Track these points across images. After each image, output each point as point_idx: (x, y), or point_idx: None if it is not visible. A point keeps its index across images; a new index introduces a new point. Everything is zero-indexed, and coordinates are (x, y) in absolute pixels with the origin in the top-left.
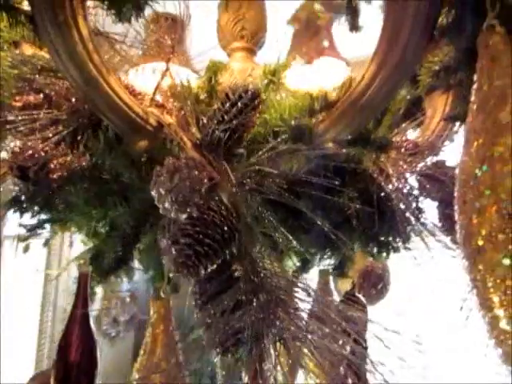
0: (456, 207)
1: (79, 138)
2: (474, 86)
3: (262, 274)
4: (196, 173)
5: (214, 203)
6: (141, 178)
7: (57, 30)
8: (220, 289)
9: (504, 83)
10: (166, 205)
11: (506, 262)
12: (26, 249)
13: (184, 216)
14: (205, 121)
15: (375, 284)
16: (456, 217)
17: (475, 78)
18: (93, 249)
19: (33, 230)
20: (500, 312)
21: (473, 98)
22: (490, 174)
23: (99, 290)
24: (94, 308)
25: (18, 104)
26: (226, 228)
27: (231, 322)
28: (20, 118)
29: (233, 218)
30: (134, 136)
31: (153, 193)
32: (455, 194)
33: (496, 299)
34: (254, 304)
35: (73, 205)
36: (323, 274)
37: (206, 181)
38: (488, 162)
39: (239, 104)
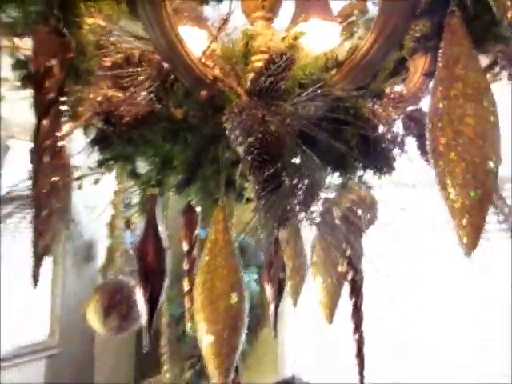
0: (427, 130)
1: (161, 89)
2: (440, 51)
3: (298, 178)
4: (255, 111)
5: (267, 131)
6: (205, 119)
7: (153, 9)
8: (274, 186)
9: (459, 49)
10: (237, 132)
11: (454, 157)
12: (96, 181)
13: (249, 139)
14: (251, 76)
15: (366, 209)
16: (427, 136)
17: (441, 44)
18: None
19: (102, 165)
20: (451, 190)
21: (439, 59)
22: (447, 106)
23: (103, 246)
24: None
25: (107, 63)
26: (276, 147)
27: (281, 205)
28: (109, 73)
29: (280, 141)
30: (198, 87)
31: (226, 124)
32: (428, 124)
33: (449, 182)
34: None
35: (150, 141)
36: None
37: (260, 116)
38: (447, 99)
39: (280, 63)
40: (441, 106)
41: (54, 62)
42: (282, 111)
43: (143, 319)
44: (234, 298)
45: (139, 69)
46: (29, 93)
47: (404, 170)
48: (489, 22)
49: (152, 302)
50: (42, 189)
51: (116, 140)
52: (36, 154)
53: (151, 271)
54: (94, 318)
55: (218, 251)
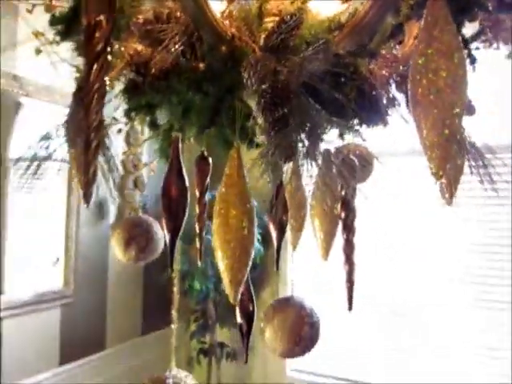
0: (409, 82)
1: (187, 44)
2: (423, 15)
3: (302, 120)
4: (267, 63)
5: (278, 80)
6: (224, 71)
7: None
8: (282, 125)
9: (438, 14)
10: (253, 80)
11: (428, 103)
12: (119, 131)
13: (263, 86)
14: (263, 35)
15: (362, 160)
16: (409, 86)
17: (425, 13)
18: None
19: (128, 114)
20: (425, 130)
21: (422, 21)
22: (425, 61)
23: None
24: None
25: (140, 20)
26: (284, 93)
27: (289, 139)
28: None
29: (288, 88)
30: (218, 43)
31: (244, 73)
32: (409, 77)
33: (423, 124)
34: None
35: (175, 90)
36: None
37: (272, 67)
38: (425, 56)
39: (290, 23)
40: (420, 61)
41: (102, 17)
42: (291, 64)
43: (159, 251)
44: (245, 222)
45: (167, 26)
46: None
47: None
48: None
49: (174, 233)
50: (91, 124)
51: (145, 89)
52: (87, 95)
53: (174, 205)
54: (116, 248)
55: (233, 184)
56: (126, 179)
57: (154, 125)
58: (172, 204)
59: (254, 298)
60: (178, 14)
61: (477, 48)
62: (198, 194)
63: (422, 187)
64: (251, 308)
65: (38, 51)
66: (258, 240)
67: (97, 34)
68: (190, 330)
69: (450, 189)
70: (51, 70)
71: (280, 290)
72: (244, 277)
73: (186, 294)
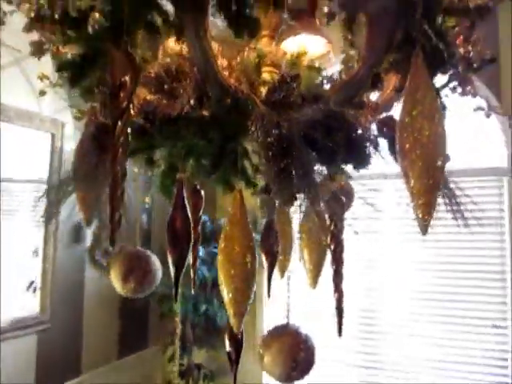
0: (396, 137)
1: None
2: (407, 81)
3: (301, 168)
4: (272, 117)
5: (281, 134)
6: (228, 120)
7: (196, 35)
8: (285, 174)
9: (420, 81)
10: (260, 133)
11: (414, 157)
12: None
13: (269, 139)
14: (266, 89)
15: (346, 195)
16: (396, 141)
17: (409, 74)
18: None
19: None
20: (411, 180)
21: (406, 86)
22: (410, 121)
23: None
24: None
25: (152, 74)
26: (288, 146)
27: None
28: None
29: (289, 141)
30: (224, 95)
31: (251, 128)
32: (397, 133)
33: (410, 174)
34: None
35: (182, 136)
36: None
37: (276, 122)
38: (410, 117)
39: (289, 81)
40: (406, 120)
41: (127, 77)
42: (291, 118)
43: (157, 283)
44: (248, 258)
45: (177, 79)
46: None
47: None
48: (447, 53)
49: (179, 266)
50: (117, 174)
51: (153, 134)
52: (113, 148)
53: (179, 239)
54: (114, 281)
55: (236, 222)
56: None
57: (150, 162)
58: (177, 238)
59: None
60: (187, 68)
61: (446, 95)
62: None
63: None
64: (240, 336)
65: (43, 93)
66: None
67: (121, 93)
68: (167, 352)
69: (425, 216)
70: (32, 97)
71: (257, 308)
72: (246, 309)
73: (163, 316)
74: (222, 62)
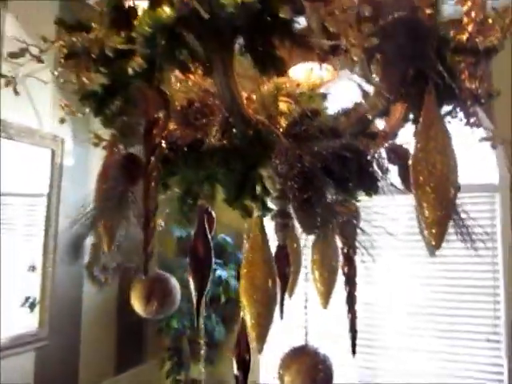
0: (411, 170)
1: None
2: (421, 118)
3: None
4: (294, 151)
5: (303, 166)
6: (250, 151)
7: (224, 73)
8: (308, 205)
9: (433, 117)
10: (283, 166)
11: (428, 189)
12: None
13: (293, 171)
14: (287, 122)
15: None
16: (411, 173)
17: (422, 110)
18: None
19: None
20: (425, 210)
21: (420, 123)
22: (424, 156)
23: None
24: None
25: (177, 107)
26: (310, 178)
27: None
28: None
29: (311, 172)
30: (246, 127)
31: (275, 161)
32: (411, 166)
33: (424, 204)
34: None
35: (204, 165)
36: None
37: (298, 155)
38: (424, 151)
39: (308, 115)
40: (420, 155)
41: (160, 114)
42: (311, 150)
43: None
44: (270, 283)
45: (201, 111)
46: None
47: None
48: (457, 89)
49: (200, 291)
50: (149, 207)
51: (177, 163)
52: (146, 182)
53: (201, 265)
54: (136, 304)
55: (258, 248)
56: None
57: (166, 186)
58: (199, 264)
59: (250, 348)
60: (210, 101)
61: (449, 122)
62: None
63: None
64: (248, 358)
65: (63, 120)
66: (234, 276)
67: (155, 130)
68: (164, 367)
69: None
70: (32, 114)
71: None
72: (268, 332)
73: (160, 332)
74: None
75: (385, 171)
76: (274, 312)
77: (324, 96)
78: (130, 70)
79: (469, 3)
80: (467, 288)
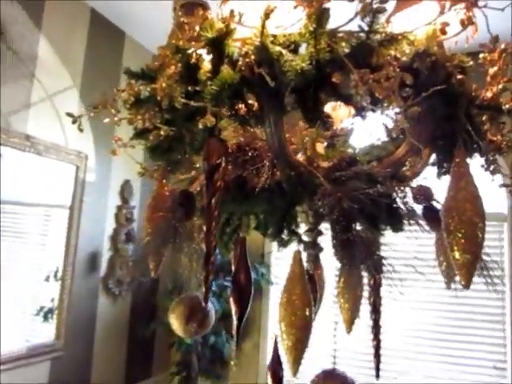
0: (442, 217)
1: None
2: (452, 170)
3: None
4: (335, 194)
5: (343, 207)
6: (293, 191)
7: (275, 125)
8: (347, 244)
9: (463, 171)
10: (325, 208)
11: (458, 234)
12: None
13: (335, 213)
14: (327, 166)
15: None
16: (442, 219)
17: (453, 163)
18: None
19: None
20: (456, 253)
21: (452, 174)
22: (455, 205)
23: (107, 255)
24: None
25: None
26: (350, 219)
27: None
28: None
29: (352, 215)
30: (290, 169)
31: (318, 203)
32: (443, 213)
33: (455, 248)
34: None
35: (251, 201)
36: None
37: (338, 197)
38: (456, 200)
39: (347, 161)
40: (452, 204)
41: (222, 160)
42: (349, 193)
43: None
44: (307, 311)
45: (250, 154)
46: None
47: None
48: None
49: (240, 317)
50: (211, 244)
51: (226, 199)
52: (208, 222)
53: (243, 294)
54: (176, 324)
55: (297, 280)
56: (118, 232)
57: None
58: (241, 293)
59: (282, 363)
60: (257, 145)
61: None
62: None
63: None
64: (281, 374)
65: (114, 152)
66: None
67: (216, 175)
68: (173, 382)
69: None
70: (59, 131)
71: (261, 343)
72: (303, 356)
73: (171, 347)
74: None
75: (411, 210)
76: (309, 337)
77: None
78: (201, 125)
79: (495, 68)
80: (475, 315)
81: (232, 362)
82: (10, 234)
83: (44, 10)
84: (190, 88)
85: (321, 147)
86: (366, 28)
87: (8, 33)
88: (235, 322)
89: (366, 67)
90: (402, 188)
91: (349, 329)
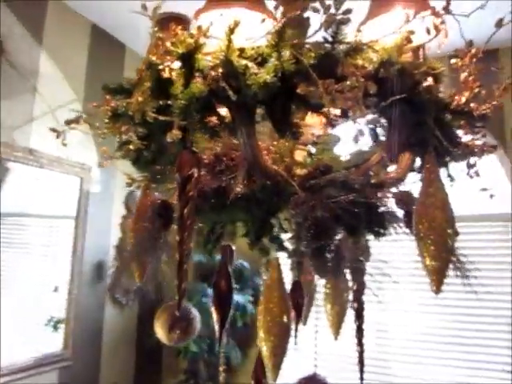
0: (413, 222)
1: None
2: (423, 178)
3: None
4: (308, 202)
5: (316, 217)
6: (269, 199)
7: (247, 136)
8: (320, 251)
9: (432, 177)
10: (299, 217)
11: (428, 240)
12: None
13: (308, 222)
14: (301, 174)
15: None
16: (413, 225)
17: (423, 169)
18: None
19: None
20: (427, 259)
21: (422, 181)
22: (425, 210)
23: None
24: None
25: (206, 160)
26: (323, 228)
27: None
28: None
29: (326, 223)
30: (266, 179)
31: (291, 211)
32: (413, 220)
33: (425, 254)
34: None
35: (229, 211)
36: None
37: (311, 206)
38: (425, 206)
39: (321, 170)
40: (421, 210)
41: (194, 171)
42: (323, 201)
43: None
44: (285, 318)
45: (226, 164)
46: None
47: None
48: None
49: (222, 322)
50: (183, 252)
51: (204, 209)
52: (181, 230)
53: (223, 299)
54: (160, 332)
55: (274, 288)
56: (124, 242)
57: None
58: (221, 300)
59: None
60: (234, 155)
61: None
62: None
63: None
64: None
65: (101, 165)
66: (250, 301)
67: (188, 186)
68: None
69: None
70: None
71: None
72: (283, 361)
73: (178, 355)
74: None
75: (392, 215)
76: (288, 344)
77: (337, 139)
78: (168, 138)
79: (465, 73)
80: (483, 317)
81: (221, 369)
82: (17, 245)
83: (44, 25)
84: (161, 102)
85: (300, 155)
86: (330, 39)
87: (9, 48)
88: (217, 327)
89: (332, 77)
90: (382, 194)
91: (336, 334)
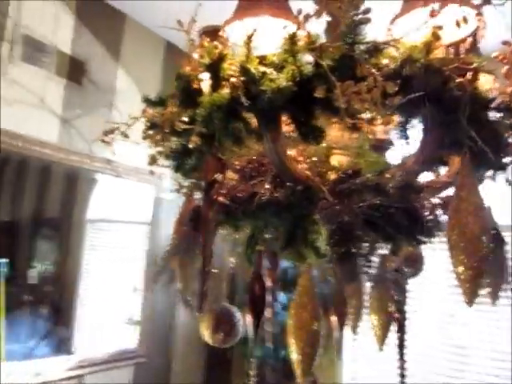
0: (446, 230)
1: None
2: (457, 183)
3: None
4: (335, 207)
5: (343, 221)
6: (299, 204)
7: (272, 141)
8: (348, 257)
9: (467, 181)
10: (325, 221)
11: (459, 248)
12: None
13: (333, 226)
14: (332, 179)
15: (414, 262)
16: (446, 231)
17: (459, 173)
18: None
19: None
20: (459, 268)
21: (456, 187)
22: (457, 216)
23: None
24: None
25: (237, 166)
26: (350, 233)
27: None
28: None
29: (351, 226)
30: (296, 184)
31: (318, 216)
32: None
33: (458, 262)
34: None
35: (260, 215)
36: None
37: (338, 211)
38: (458, 212)
39: (350, 174)
40: (453, 216)
41: (218, 176)
42: (351, 206)
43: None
44: (315, 324)
45: (257, 170)
46: None
47: None
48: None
49: (257, 321)
50: (207, 255)
51: (237, 213)
52: (204, 233)
53: (257, 301)
54: (205, 333)
55: (306, 293)
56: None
57: (236, 228)
58: (255, 302)
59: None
60: (264, 161)
61: None
62: (268, 283)
63: None
64: None
65: (152, 172)
66: None
67: (212, 190)
68: None
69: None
70: (138, 155)
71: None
72: (311, 368)
73: (245, 356)
74: (293, 154)
75: (436, 222)
76: (317, 350)
77: (385, 148)
78: (191, 145)
79: (508, 65)
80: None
81: (251, 372)
82: (99, 248)
83: (121, 43)
84: (190, 112)
85: (336, 159)
86: (350, 40)
87: (90, 68)
88: (252, 328)
89: (351, 79)
90: (427, 199)
91: (381, 345)
